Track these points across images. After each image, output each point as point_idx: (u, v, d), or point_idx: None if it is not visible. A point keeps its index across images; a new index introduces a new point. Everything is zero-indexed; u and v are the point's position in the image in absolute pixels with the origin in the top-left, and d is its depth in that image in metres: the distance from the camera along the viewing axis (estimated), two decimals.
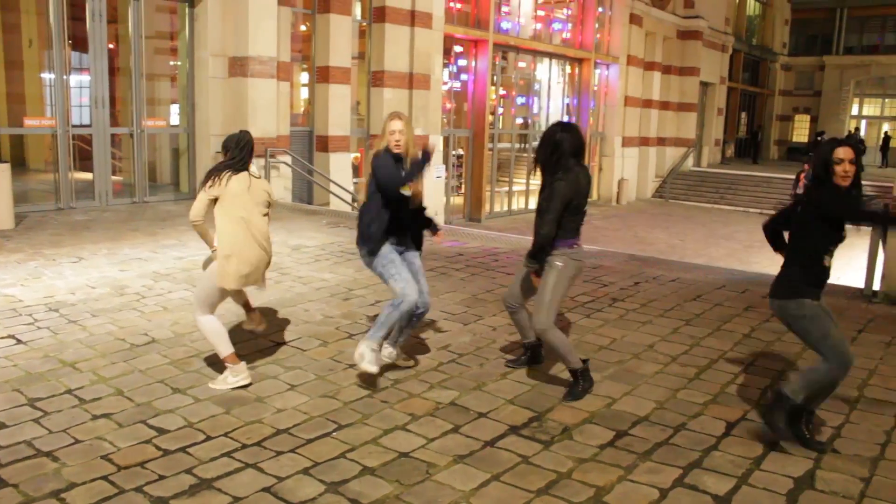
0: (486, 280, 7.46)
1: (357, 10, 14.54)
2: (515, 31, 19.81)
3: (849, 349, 3.89)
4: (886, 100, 39.19)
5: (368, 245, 4.58)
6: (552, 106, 21.84)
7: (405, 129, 4.64)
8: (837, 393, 4.51)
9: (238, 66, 12.04)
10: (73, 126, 11.21)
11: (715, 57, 29.87)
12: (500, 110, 20.25)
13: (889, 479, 3.67)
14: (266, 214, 4.56)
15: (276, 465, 3.59)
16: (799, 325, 3.90)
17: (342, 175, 13.81)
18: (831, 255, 3.86)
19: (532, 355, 5.03)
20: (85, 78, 12.04)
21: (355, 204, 12.14)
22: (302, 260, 7.99)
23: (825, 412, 4.28)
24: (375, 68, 14.72)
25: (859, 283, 7.54)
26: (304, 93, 14.93)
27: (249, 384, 4.51)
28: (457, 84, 18.36)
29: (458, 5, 17.81)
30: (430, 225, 4.94)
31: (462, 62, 18.26)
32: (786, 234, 4.06)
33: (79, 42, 12.50)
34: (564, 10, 22.07)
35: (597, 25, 22.51)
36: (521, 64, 20.91)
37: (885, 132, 35.34)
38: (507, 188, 20.59)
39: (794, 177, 21.97)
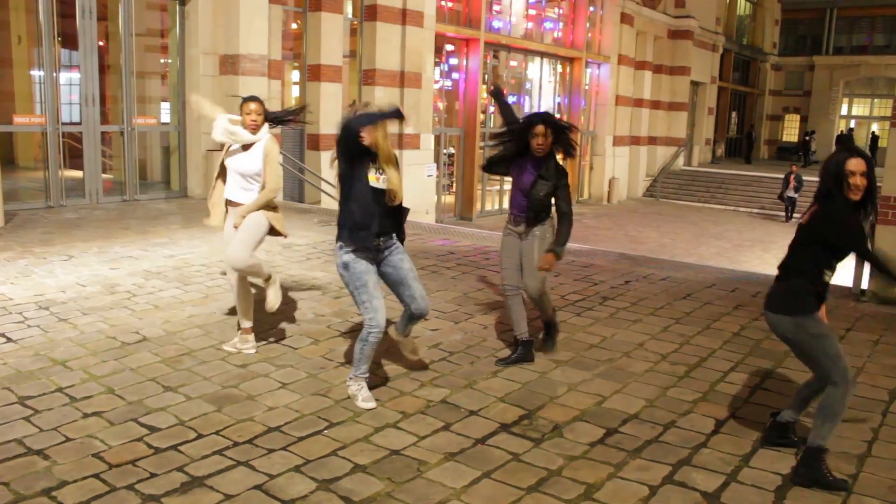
0: (476, 278, 7.47)
1: (348, 8, 14.53)
2: (507, 30, 19.84)
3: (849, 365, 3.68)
4: (875, 100, 39.43)
5: (338, 240, 4.29)
6: (543, 105, 21.87)
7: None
8: None
9: (229, 64, 12.01)
10: (63, 124, 11.16)
11: (706, 56, 29.98)
12: (492, 109, 20.26)
13: (875, 475, 3.70)
14: None
15: (268, 462, 3.60)
16: (810, 344, 3.57)
17: (333, 173, 13.77)
18: (833, 271, 3.58)
19: (523, 352, 5.06)
20: (75, 75, 11.99)
21: None
22: (293, 258, 7.98)
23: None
24: (367, 67, 14.72)
25: (847, 281, 7.59)
26: (296, 91, 14.91)
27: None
28: (448, 83, 18.36)
29: (450, 4, 17.83)
30: (399, 230, 4.43)
31: (453, 61, 18.27)
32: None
33: (68, 39, 12.45)
34: (556, 10, 22.10)
35: (588, 25, 22.57)
36: (513, 63, 20.94)
37: (874, 132, 35.55)
38: (498, 187, 20.62)
39: (783, 176, 22.13)
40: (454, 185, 19.00)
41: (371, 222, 4.16)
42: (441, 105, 18.02)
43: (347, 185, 4.23)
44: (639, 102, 25.77)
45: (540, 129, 4.85)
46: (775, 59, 40.63)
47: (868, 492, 3.53)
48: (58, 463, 3.51)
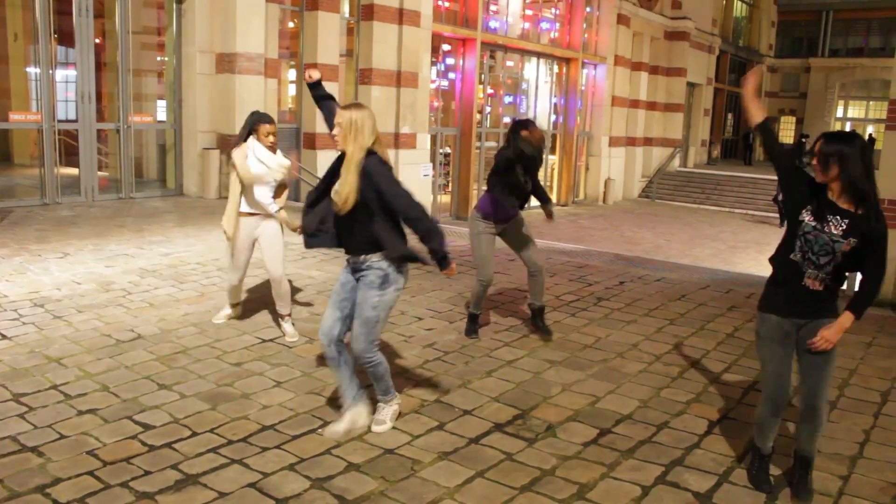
0: (472, 278, 7.44)
1: (345, 7, 14.52)
2: (504, 31, 19.83)
3: None
4: (871, 102, 39.51)
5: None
6: (540, 105, 21.89)
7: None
8: None
9: (226, 63, 12.00)
10: (59, 121, 11.15)
11: (702, 58, 30.00)
12: (488, 109, 20.27)
13: (867, 477, 3.73)
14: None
15: (262, 460, 3.61)
16: (833, 354, 3.40)
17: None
18: (813, 277, 3.32)
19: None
20: (71, 73, 11.97)
21: None
22: (289, 257, 7.97)
23: None
24: (363, 66, 14.71)
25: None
26: (292, 90, 14.91)
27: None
28: (444, 83, 18.37)
29: (447, 4, 17.81)
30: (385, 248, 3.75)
31: (450, 61, 18.27)
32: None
33: (65, 36, 12.41)
34: (552, 10, 22.11)
35: (584, 25, 22.56)
36: (509, 63, 20.94)
37: (870, 134, 35.64)
38: None
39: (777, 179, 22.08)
40: (450, 184, 19.00)
41: (323, 228, 3.78)
42: (437, 105, 18.01)
43: None
44: (635, 103, 25.78)
45: (530, 132, 5.30)
46: (771, 61, 40.68)
47: (859, 493, 3.56)
48: (52, 460, 3.52)
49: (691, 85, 29.92)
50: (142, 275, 6.96)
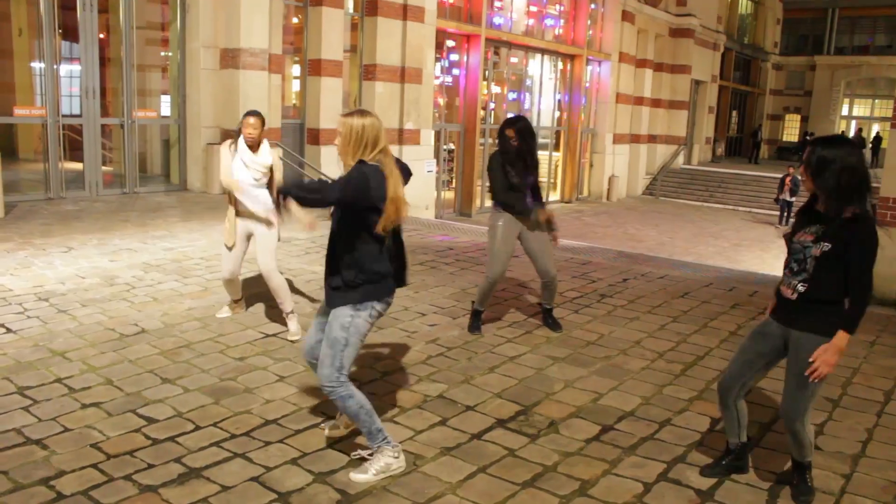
0: (475, 274, 7.49)
1: (349, 3, 14.51)
2: (508, 27, 19.81)
3: None
4: (876, 100, 39.42)
5: None
6: (544, 102, 21.86)
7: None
8: (821, 391, 4.56)
9: (230, 58, 12.01)
10: (64, 116, 11.15)
11: (707, 55, 29.95)
12: (492, 105, 20.25)
13: (869, 475, 3.73)
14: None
15: (265, 454, 3.62)
16: (806, 381, 3.27)
17: (333, 168, 13.81)
18: (786, 284, 3.29)
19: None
20: (75, 68, 11.97)
21: None
22: (292, 252, 7.99)
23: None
24: (367, 62, 14.70)
25: None
26: (296, 85, 14.90)
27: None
28: (448, 79, 18.35)
29: (451, 0, 17.80)
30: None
31: (454, 57, 18.26)
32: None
33: (69, 31, 12.43)
34: (557, 6, 22.07)
35: (589, 22, 22.53)
36: (514, 59, 20.92)
37: (878, 133, 35.52)
38: None
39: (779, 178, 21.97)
40: (454, 180, 18.99)
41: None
42: (441, 101, 18.00)
43: None
44: (639, 100, 25.75)
45: (510, 131, 5.42)
46: (776, 59, 40.59)
47: (861, 492, 3.56)
48: (56, 453, 3.53)
49: (696, 82, 29.87)
50: (145, 269, 6.98)
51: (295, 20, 14.14)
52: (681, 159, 29.00)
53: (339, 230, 3.42)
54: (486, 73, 19.05)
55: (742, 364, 3.46)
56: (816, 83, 39.71)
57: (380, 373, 4.75)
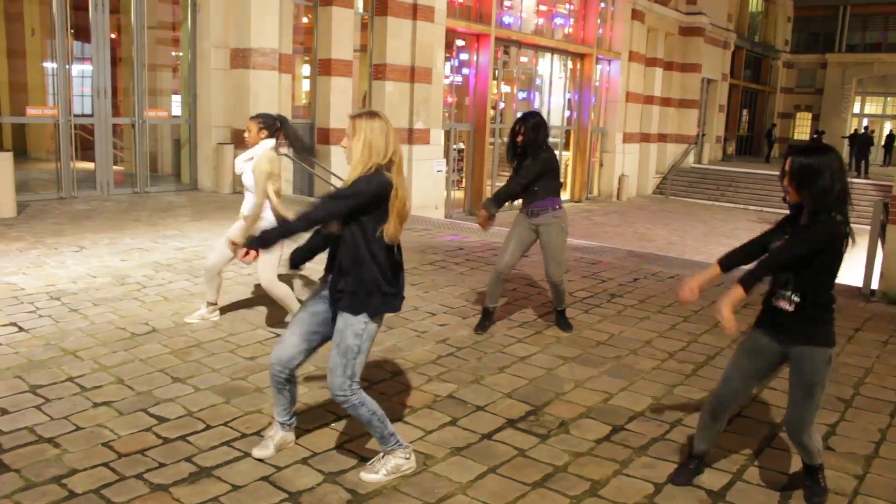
0: (485, 274, 7.48)
1: (359, 2, 14.52)
2: (517, 26, 19.78)
3: None
4: (888, 98, 39.16)
5: None
6: (553, 101, 21.83)
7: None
8: (833, 392, 4.56)
9: (240, 58, 12.04)
10: (75, 116, 11.22)
11: (717, 54, 29.82)
12: (502, 105, 20.23)
13: (882, 476, 3.70)
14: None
15: (275, 454, 3.62)
16: (822, 377, 3.19)
17: (343, 167, 13.83)
18: (784, 298, 3.19)
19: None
20: (87, 67, 12.04)
21: None
22: None
23: (822, 410, 4.31)
24: (377, 61, 14.71)
25: (858, 281, 7.57)
26: (306, 85, 14.93)
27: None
28: (458, 78, 18.34)
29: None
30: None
31: (464, 56, 18.25)
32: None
33: (81, 32, 12.49)
34: (567, 5, 22.02)
35: (599, 21, 22.47)
36: (523, 59, 20.90)
37: (891, 131, 35.28)
38: None
39: None
40: (463, 180, 18.98)
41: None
42: (451, 100, 17.99)
43: None
44: (649, 99, 25.67)
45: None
46: (787, 57, 40.38)
47: (875, 493, 3.54)
48: (68, 451, 3.55)
49: (706, 81, 29.75)
50: (156, 269, 7.00)
51: (305, 20, 14.17)
52: (691, 158, 28.89)
53: (352, 234, 3.25)
54: (496, 72, 19.03)
55: (742, 381, 3.38)
56: (828, 81, 39.47)
57: (389, 373, 4.75)
